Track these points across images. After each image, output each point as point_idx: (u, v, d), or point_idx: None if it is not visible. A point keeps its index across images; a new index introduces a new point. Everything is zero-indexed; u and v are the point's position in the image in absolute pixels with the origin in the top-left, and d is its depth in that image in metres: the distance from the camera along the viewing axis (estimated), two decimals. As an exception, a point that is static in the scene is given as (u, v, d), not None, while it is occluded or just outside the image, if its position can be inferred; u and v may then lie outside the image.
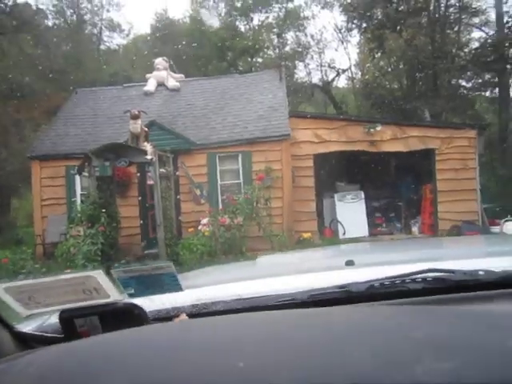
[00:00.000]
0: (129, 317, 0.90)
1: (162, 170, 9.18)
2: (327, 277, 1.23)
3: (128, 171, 10.12)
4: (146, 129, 9.15)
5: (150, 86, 12.72)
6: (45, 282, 0.87)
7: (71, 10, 26.61)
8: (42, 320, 1.05)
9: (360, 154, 11.57)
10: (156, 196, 8.73)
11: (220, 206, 10.03)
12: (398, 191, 12.66)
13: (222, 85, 12.89)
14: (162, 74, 12.99)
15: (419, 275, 1.02)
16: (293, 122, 10.76)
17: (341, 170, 12.17)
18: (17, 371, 0.65)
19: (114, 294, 0.88)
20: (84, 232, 8.03)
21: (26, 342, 0.93)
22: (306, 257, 2.46)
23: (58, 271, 7.63)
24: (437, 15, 17.77)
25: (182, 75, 13.78)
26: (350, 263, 1.36)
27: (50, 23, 24.78)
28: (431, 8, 17.85)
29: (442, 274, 1.01)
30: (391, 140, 11.16)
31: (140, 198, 10.49)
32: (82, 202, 9.52)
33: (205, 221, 9.28)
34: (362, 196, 11.54)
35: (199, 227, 9.24)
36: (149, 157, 8.61)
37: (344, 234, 11.03)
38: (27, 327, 1.00)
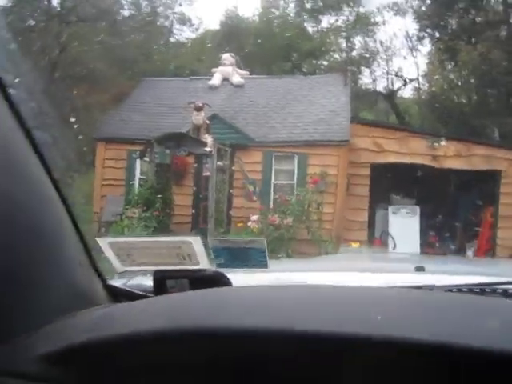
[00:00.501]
0: (216, 283, 0.94)
1: (219, 162, 9.36)
2: (400, 278, 1.21)
3: (186, 161, 10.37)
4: (208, 121, 9.36)
5: (216, 80, 12.96)
6: (144, 241, 0.93)
7: (146, 2, 27.62)
8: (136, 279, 1.11)
9: (420, 168, 11.20)
10: (210, 188, 8.91)
11: (271, 205, 10.06)
12: (455, 211, 12.12)
13: (285, 85, 12.90)
14: (227, 69, 13.19)
15: (501, 286, 0.98)
16: (353, 128, 10.58)
17: (398, 182, 11.82)
18: (134, 313, 0.69)
19: (204, 262, 0.92)
20: (139, 214, 8.33)
21: (116, 296, 0.98)
22: (375, 258, 2.43)
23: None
24: (517, 30, 16.85)
25: (247, 72, 13.92)
26: (420, 269, 1.33)
27: (125, 13, 25.82)
28: (511, 21, 16.95)
29: None
30: (455, 156, 10.72)
31: (195, 188, 10.72)
32: (140, 185, 9.89)
33: (255, 217, 9.35)
34: (418, 212, 11.14)
35: (248, 223, 9.33)
36: (208, 149, 8.80)
37: (394, 247, 10.71)
38: (117, 283, 1.05)
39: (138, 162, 10.26)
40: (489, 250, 10.70)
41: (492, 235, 10.73)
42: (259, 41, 22.19)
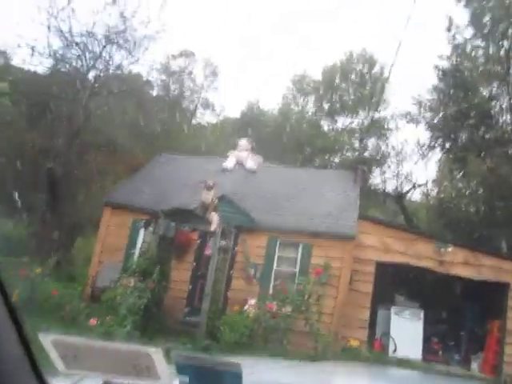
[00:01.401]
0: None
1: (222, 242, 9.27)
2: None
3: (190, 236, 10.32)
4: (217, 201, 9.43)
5: (230, 162, 13.33)
6: (96, 344, 0.80)
7: (175, 86, 29.53)
8: (82, 381, 0.97)
9: (425, 272, 10.95)
10: (210, 266, 8.73)
11: (270, 291, 9.76)
12: (461, 320, 11.62)
13: (297, 175, 13.21)
14: (242, 154, 13.63)
15: None
16: (361, 225, 10.58)
17: (402, 284, 11.53)
18: None
19: (164, 378, 0.79)
20: (134, 284, 8.10)
21: None
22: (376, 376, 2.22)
23: (99, 315, 7.64)
24: (525, 149, 17.42)
25: (261, 159, 14.35)
26: None
27: (154, 93, 27.48)
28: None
29: None
30: (462, 264, 10.54)
31: (194, 265, 10.53)
32: (139, 255, 9.74)
33: (252, 302, 9.03)
34: (421, 316, 10.70)
35: (245, 307, 8.98)
36: (213, 227, 8.77)
37: (395, 351, 10.15)
38: (61, 382, 0.91)
39: (142, 231, 10.23)
40: (495, 366, 10.07)
41: (499, 350, 10.16)
42: (276, 132, 23.19)
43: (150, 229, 9.31)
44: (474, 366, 10.40)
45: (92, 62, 19.03)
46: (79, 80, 18.27)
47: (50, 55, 17.26)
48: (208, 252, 9.74)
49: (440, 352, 10.88)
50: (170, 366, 0.82)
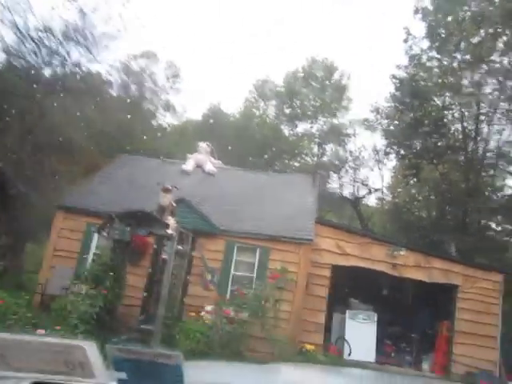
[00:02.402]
0: None
1: (179, 247, 9.13)
2: None
3: (146, 241, 10.10)
4: (174, 204, 9.30)
5: (188, 165, 13.21)
6: (24, 340, 0.73)
7: (135, 86, 28.96)
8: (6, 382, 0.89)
9: (379, 275, 11.24)
10: (166, 272, 8.57)
11: (227, 296, 9.72)
12: (412, 321, 12.01)
13: (256, 179, 13.25)
14: (202, 156, 13.55)
15: None
16: (317, 229, 10.73)
17: (357, 287, 11.77)
18: None
19: (99, 375, 0.73)
20: (86, 291, 7.85)
21: None
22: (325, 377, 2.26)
23: (49, 325, 7.35)
24: (474, 156, 18.28)
25: (221, 162, 14.30)
26: None
27: (113, 93, 26.85)
28: (469, 149, 18.45)
29: None
30: (414, 267, 10.89)
31: (150, 270, 10.29)
32: (93, 260, 9.45)
33: (209, 308, 8.95)
34: (375, 319, 10.98)
35: (202, 313, 8.90)
36: (170, 231, 8.63)
37: (349, 354, 10.35)
38: None
39: (96, 236, 9.92)
40: (445, 365, 10.46)
41: (448, 350, 10.57)
42: (237, 135, 23.21)
43: (104, 233, 9.04)
44: (425, 366, 10.77)
45: (48, 59, 18.38)
46: (33, 76, 17.60)
47: (2, 50, 16.55)
48: (164, 256, 9.57)
49: (393, 354, 11.20)
50: (105, 360, 0.76)
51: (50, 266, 10.50)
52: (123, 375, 0.79)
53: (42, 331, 6.84)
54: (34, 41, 17.07)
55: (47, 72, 18.77)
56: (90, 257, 10.09)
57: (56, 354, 0.72)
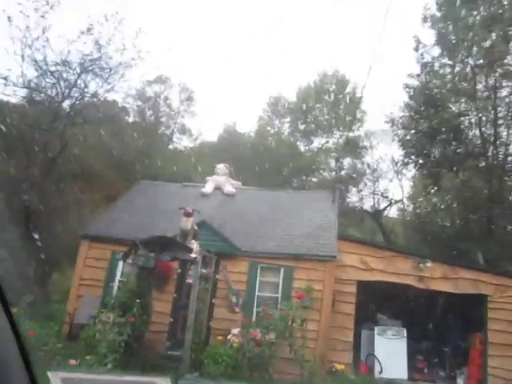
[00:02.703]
0: None
1: (203, 270, 9.18)
2: None
3: (170, 266, 10.19)
4: (196, 228, 9.38)
5: (208, 188, 13.33)
6: (102, 378, 0.83)
7: (151, 111, 29.58)
8: None
9: (406, 289, 11.07)
10: (192, 296, 8.62)
11: (254, 318, 9.68)
12: (443, 335, 11.72)
13: (275, 198, 13.27)
14: (220, 178, 13.66)
15: None
16: (340, 245, 10.65)
17: (384, 302, 11.60)
18: None
19: None
20: (113, 319, 7.92)
21: None
22: None
23: (79, 355, 7.42)
24: (495, 162, 17.97)
25: (240, 183, 14.40)
26: None
27: (130, 120, 27.44)
28: (489, 154, 18.16)
29: None
30: (441, 279, 10.69)
31: (175, 295, 10.38)
32: (118, 288, 9.55)
33: (235, 331, 8.92)
34: (405, 334, 10.77)
35: (228, 336, 8.86)
36: (193, 255, 8.70)
37: (380, 372, 10.14)
38: None
39: (120, 263, 10.05)
40: (480, 380, 10.15)
41: (482, 363, 10.26)
42: (253, 155, 23.37)
43: (129, 260, 9.16)
44: (460, 381, 10.47)
45: (67, 91, 18.93)
46: (54, 109, 18.13)
47: (24, 85, 17.13)
48: (189, 281, 9.62)
49: (425, 370, 10.94)
50: None
51: (76, 295, 10.65)
52: None
53: (74, 361, 6.92)
54: (53, 75, 17.65)
55: (66, 104, 19.32)
56: (116, 284, 10.20)
57: None
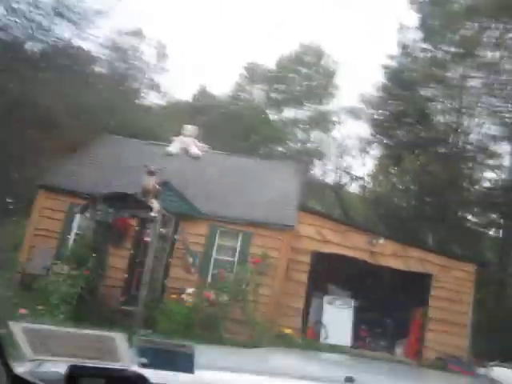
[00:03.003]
0: None
1: (161, 229, 9.19)
2: None
3: (128, 223, 10.12)
4: (158, 187, 9.32)
5: (173, 148, 13.15)
6: (62, 331, 0.88)
7: (120, 63, 28.44)
8: (46, 366, 1.02)
9: (358, 262, 11.51)
10: (149, 254, 8.65)
11: (209, 280, 9.86)
12: (388, 308, 12.35)
13: (241, 164, 13.29)
14: (187, 139, 13.48)
15: None
16: (300, 215, 10.90)
17: (336, 273, 12.03)
18: None
19: (125, 360, 0.88)
20: (68, 271, 7.88)
21: None
22: (308, 360, 2.42)
23: (30, 304, 7.37)
24: (454, 149, 18.64)
25: (206, 146, 14.26)
26: (349, 380, 1.34)
27: (98, 70, 26.33)
28: (450, 141, 18.80)
29: None
30: (391, 256, 11.18)
31: (132, 252, 10.37)
32: (74, 240, 9.45)
33: (190, 290, 9.08)
34: (352, 304, 11.30)
35: (183, 295, 9.02)
36: (153, 214, 8.68)
37: (326, 338, 10.65)
38: (27, 370, 0.97)
39: (78, 216, 9.89)
40: (417, 351, 10.86)
41: (420, 336, 10.96)
42: (223, 119, 23.11)
43: (87, 214, 9.04)
44: (399, 350, 11.16)
45: (34, 33, 17.89)
46: (17, 49, 17.14)
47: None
48: (147, 239, 9.63)
49: (368, 339, 11.56)
50: (130, 349, 0.92)
51: (30, 245, 10.44)
52: (145, 360, 0.96)
53: (24, 310, 6.87)
54: (20, 13, 16.59)
55: (31, 45, 18.30)
56: (72, 237, 10.07)
57: (89, 342, 0.86)
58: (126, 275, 10.15)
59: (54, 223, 10.48)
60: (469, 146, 19.12)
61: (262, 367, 1.83)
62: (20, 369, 0.95)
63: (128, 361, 0.90)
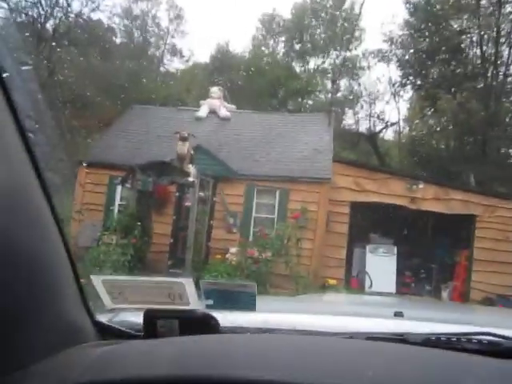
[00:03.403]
0: (204, 325, 0.97)
1: (200, 193, 9.37)
2: (382, 323, 1.25)
3: (168, 190, 10.36)
4: (192, 152, 9.42)
5: (202, 112, 13.15)
6: (136, 280, 0.96)
7: (139, 32, 28.22)
8: (123, 315, 1.12)
9: (398, 209, 11.39)
10: (191, 218, 8.88)
11: (250, 238, 10.06)
12: (432, 252, 12.30)
13: (271, 121, 13.16)
14: (215, 102, 13.42)
15: (476, 336, 1.02)
16: (335, 167, 10.79)
17: (376, 222, 12.00)
18: (97, 357, 0.71)
19: (194, 303, 0.96)
20: (116, 241, 8.22)
21: (104, 332, 1.00)
22: (356, 301, 2.49)
23: (85, 274, 7.79)
24: (494, 82, 17.67)
25: (234, 106, 14.18)
26: (399, 314, 1.37)
27: (117, 41, 26.26)
28: (488, 75, 17.80)
29: (498, 338, 1.01)
30: (432, 200, 10.98)
31: (174, 218, 10.67)
32: (119, 211, 9.80)
33: (233, 250, 9.31)
34: (395, 251, 11.28)
35: (227, 255, 9.28)
36: (191, 179, 8.83)
37: (370, 287, 10.76)
38: (104, 318, 1.07)
39: (119, 188, 10.21)
40: (464, 293, 10.83)
41: (467, 278, 10.89)
42: (248, 77, 22.72)
43: (128, 185, 9.31)
44: (445, 294, 11.14)
45: (49, 10, 17.91)
46: (37, 31, 17.28)
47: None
48: (187, 204, 9.85)
49: (413, 284, 11.60)
50: (198, 292, 1.00)
51: (78, 220, 10.90)
52: (210, 302, 1.03)
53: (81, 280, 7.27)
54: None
55: (50, 25, 18.37)
56: (116, 208, 10.44)
57: (161, 289, 0.95)
58: (171, 240, 10.49)
59: (97, 197, 10.87)
60: (509, 79, 18.07)
61: (316, 308, 1.90)
62: (102, 318, 1.05)
63: (196, 303, 0.97)
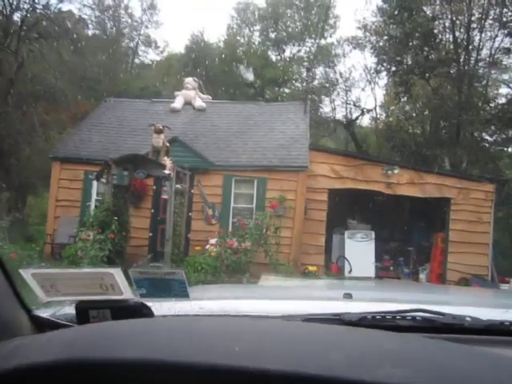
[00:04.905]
0: (138, 314, 0.98)
1: (177, 185, 9.31)
2: (324, 305, 1.28)
3: (144, 183, 10.28)
4: (168, 144, 9.34)
5: (177, 103, 13.02)
6: (67, 272, 0.96)
7: (112, 23, 27.64)
8: (57, 308, 1.13)
9: (375, 195, 11.57)
10: (168, 211, 8.83)
11: (230, 229, 10.08)
12: (409, 236, 12.55)
13: (247, 110, 13.12)
14: (190, 93, 13.30)
15: (409, 313, 1.06)
16: (312, 155, 10.86)
17: (354, 208, 12.15)
18: (37, 345, 0.72)
19: (127, 292, 0.97)
20: (93, 237, 8.12)
21: (41, 326, 1.00)
22: (306, 285, 2.51)
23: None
24: (466, 67, 17.93)
25: (210, 96, 14.08)
26: (347, 296, 1.40)
27: (89, 33, 25.67)
28: (461, 60, 18.05)
29: (431, 315, 1.05)
30: (408, 184, 11.17)
31: (152, 211, 10.61)
32: (95, 207, 9.68)
33: (213, 241, 9.32)
34: (373, 236, 11.47)
35: (207, 246, 9.28)
36: (167, 171, 8.75)
37: (350, 272, 10.94)
38: (44, 313, 1.06)
39: (95, 183, 10.06)
40: (440, 274, 11.11)
41: (443, 260, 11.16)
42: (223, 66, 22.55)
43: (103, 180, 9.18)
44: (422, 276, 11.42)
45: (15, 2, 17.36)
46: (3, 23, 16.76)
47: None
48: (164, 197, 9.79)
49: (391, 268, 11.84)
50: (129, 282, 1.00)
51: (54, 216, 10.75)
52: (143, 290, 1.04)
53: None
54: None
55: (17, 17, 17.82)
56: (93, 204, 10.31)
57: (92, 280, 0.95)
58: (150, 233, 10.44)
59: (73, 192, 10.71)
60: (481, 63, 18.35)
61: (264, 294, 1.93)
62: (40, 312, 1.05)
63: (129, 293, 0.98)
